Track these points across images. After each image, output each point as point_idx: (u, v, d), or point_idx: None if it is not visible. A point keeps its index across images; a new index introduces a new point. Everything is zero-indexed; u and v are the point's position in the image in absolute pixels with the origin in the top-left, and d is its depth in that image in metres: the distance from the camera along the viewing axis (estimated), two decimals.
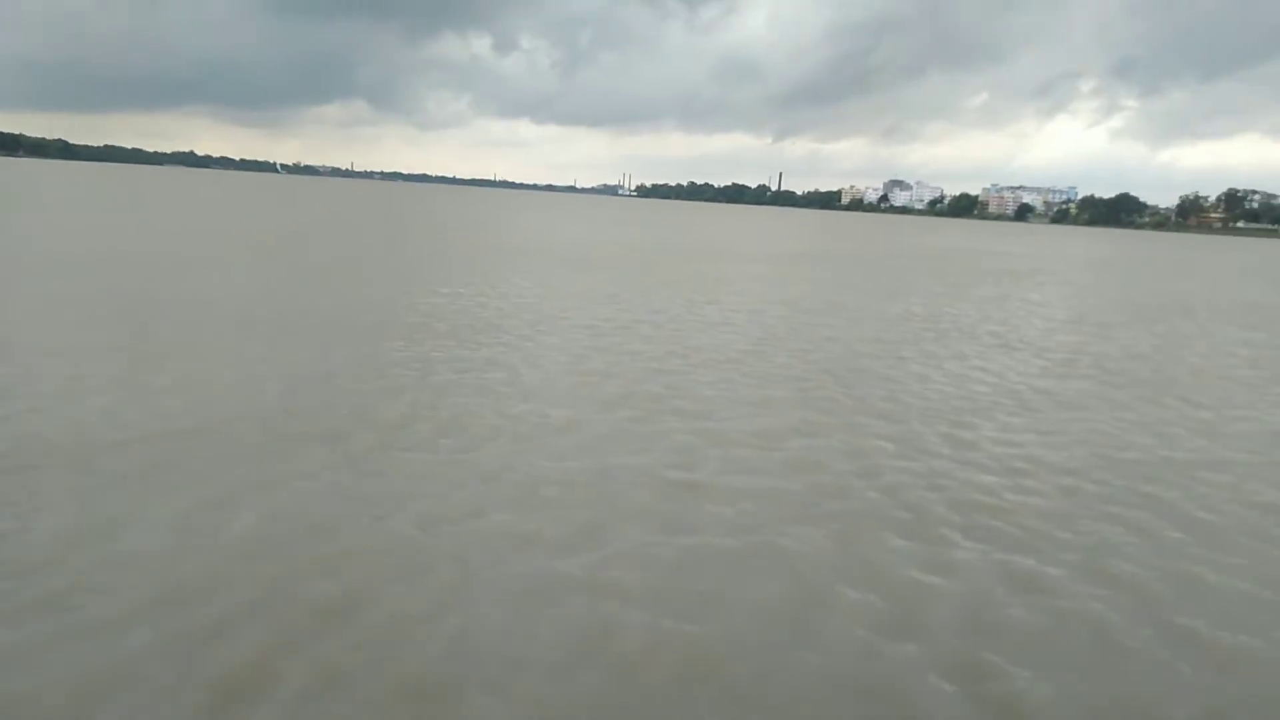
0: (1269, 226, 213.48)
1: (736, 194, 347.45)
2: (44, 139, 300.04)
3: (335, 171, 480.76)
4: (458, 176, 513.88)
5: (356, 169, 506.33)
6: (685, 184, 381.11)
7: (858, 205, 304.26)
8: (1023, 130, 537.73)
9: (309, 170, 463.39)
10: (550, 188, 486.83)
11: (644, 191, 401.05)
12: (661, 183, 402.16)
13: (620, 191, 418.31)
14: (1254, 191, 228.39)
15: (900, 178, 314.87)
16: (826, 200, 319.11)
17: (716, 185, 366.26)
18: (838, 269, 36.97)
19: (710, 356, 14.28)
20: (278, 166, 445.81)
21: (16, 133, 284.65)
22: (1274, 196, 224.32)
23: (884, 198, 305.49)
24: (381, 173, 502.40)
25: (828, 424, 10.42)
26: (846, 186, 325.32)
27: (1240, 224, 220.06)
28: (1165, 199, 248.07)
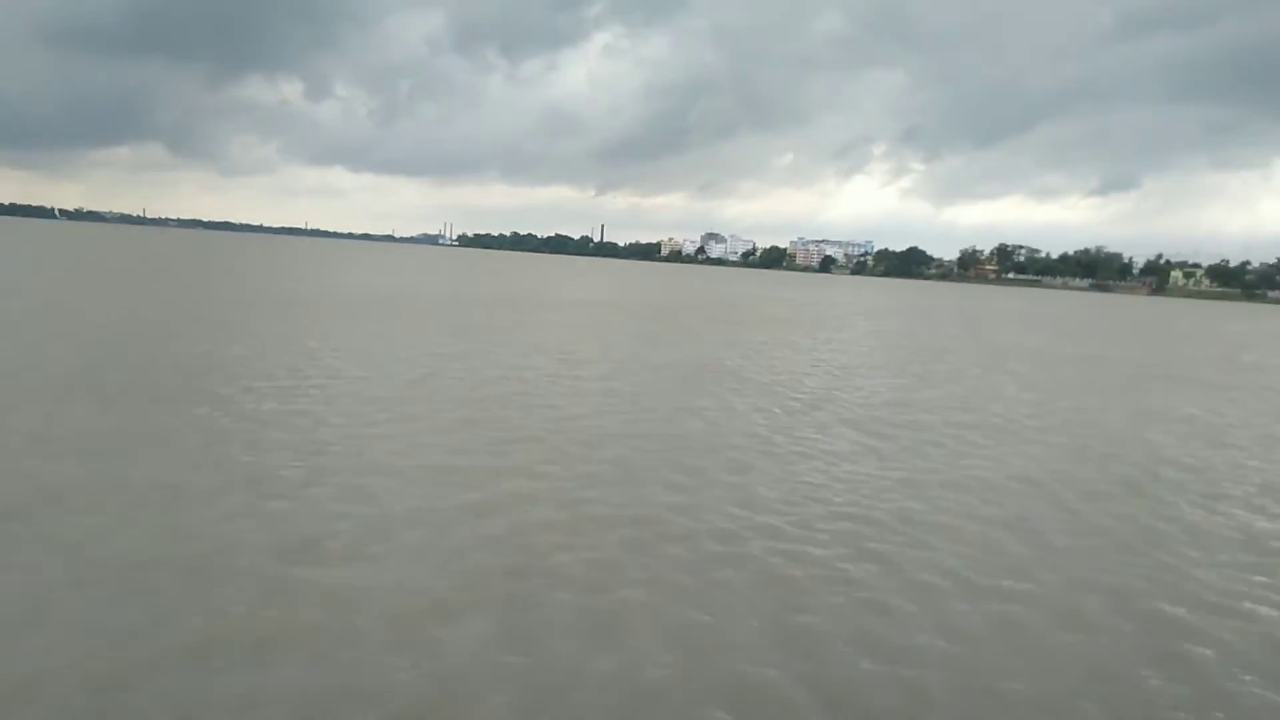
0: (1033, 277, 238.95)
1: (560, 244, 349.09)
2: None
3: (124, 218, 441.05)
4: (265, 225, 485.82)
5: (149, 215, 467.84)
6: (508, 234, 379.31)
7: (676, 256, 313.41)
8: (826, 189, 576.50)
9: (94, 216, 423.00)
10: (367, 237, 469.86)
11: (465, 241, 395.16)
12: (484, 232, 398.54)
13: (441, 241, 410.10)
14: (1020, 246, 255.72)
15: (717, 231, 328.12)
16: (647, 252, 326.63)
17: (540, 235, 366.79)
18: (624, 317, 36.24)
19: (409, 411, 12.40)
20: (56, 212, 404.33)
21: None
22: (1037, 251, 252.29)
23: (701, 249, 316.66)
24: (178, 220, 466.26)
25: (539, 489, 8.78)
26: (666, 239, 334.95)
27: (1011, 275, 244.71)
28: (949, 252, 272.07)
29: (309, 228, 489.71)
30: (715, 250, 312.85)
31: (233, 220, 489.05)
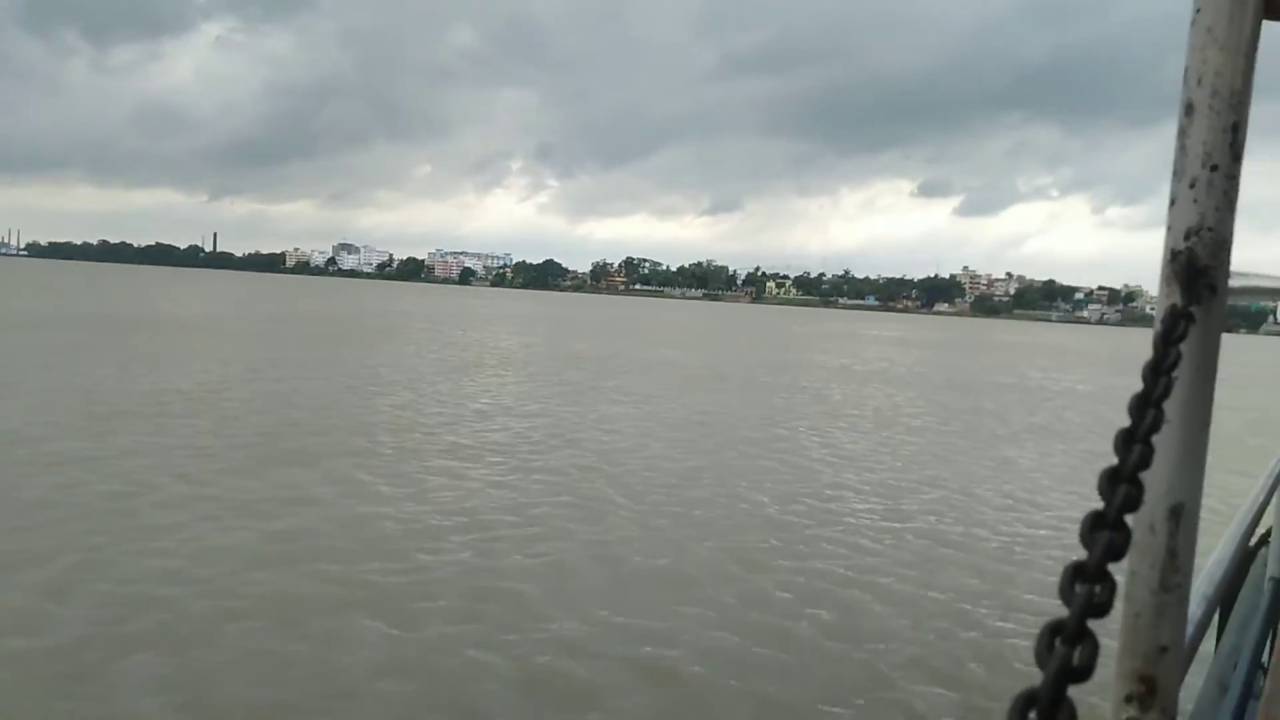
0: (656, 288, 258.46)
1: (163, 254, 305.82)
2: None
3: None
4: None
5: None
6: (96, 243, 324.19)
7: (304, 268, 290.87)
8: (465, 201, 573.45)
9: None
10: None
11: (38, 251, 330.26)
12: (64, 240, 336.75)
13: (3, 251, 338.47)
14: (645, 260, 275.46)
15: (352, 241, 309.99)
16: (270, 263, 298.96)
17: (137, 245, 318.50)
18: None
19: None
20: None
21: None
22: (659, 264, 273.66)
23: (332, 260, 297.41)
24: None
25: None
26: (292, 249, 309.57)
27: (638, 286, 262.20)
28: (584, 265, 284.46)
29: None
30: (348, 261, 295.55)
31: None
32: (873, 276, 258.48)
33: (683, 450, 14.70)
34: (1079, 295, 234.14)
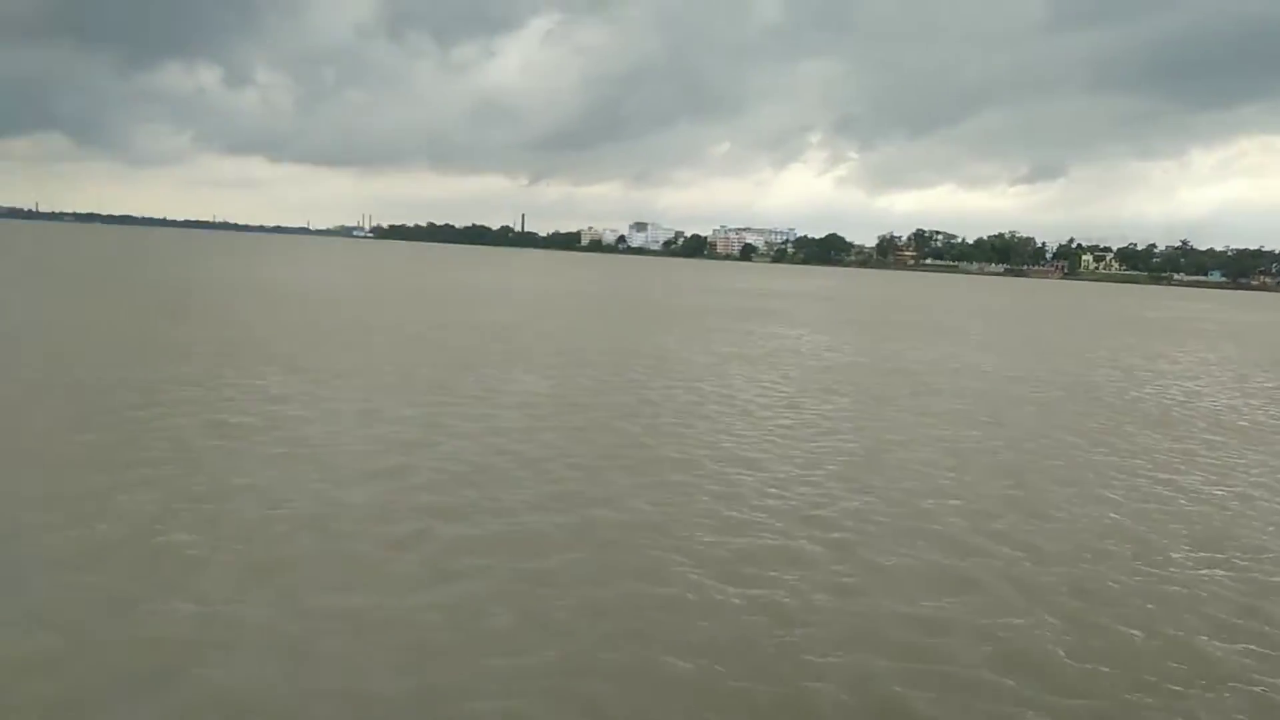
0: (950, 263, 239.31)
1: (478, 235, 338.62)
2: None
3: (13, 213, 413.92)
4: (169, 218, 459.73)
5: (42, 209, 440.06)
6: (425, 225, 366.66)
7: (597, 246, 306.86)
8: (761, 178, 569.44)
9: None
10: (280, 229, 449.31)
11: (381, 233, 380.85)
12: (400, 223, 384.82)
13: (355, 233, 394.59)
14: (938, 232, 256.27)
15: (651, 220, 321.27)
16: (567, 241, 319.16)
17: (457, 226, 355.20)
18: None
19: None
20: None
21: None
22: (954, 236, 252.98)
23: (622, 238, 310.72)
24: (74, 214, 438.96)
25: None
26: (586, 228, 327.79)
27: (929, 261, 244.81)
28: (871, 239, 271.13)
29: (217, 221, 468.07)
30: (637, 239, 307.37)
31: (134, 214, 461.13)
32: (1218, 248, 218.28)
33: None
34: None
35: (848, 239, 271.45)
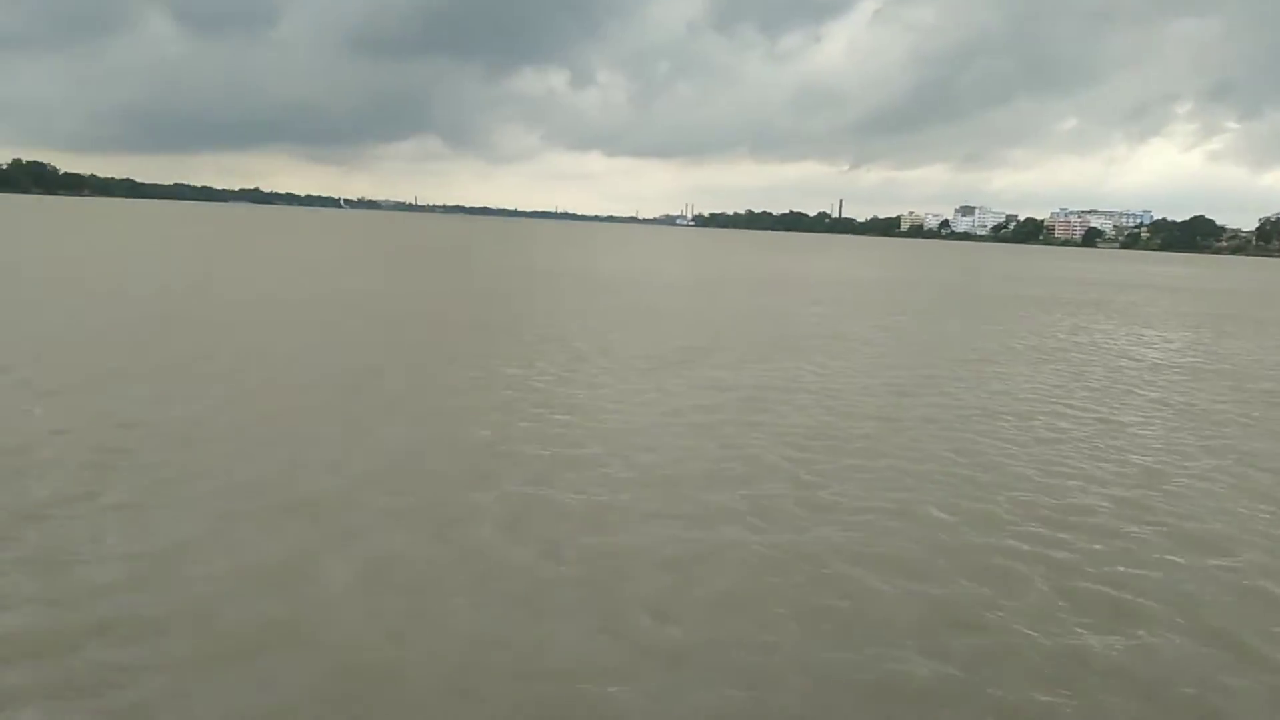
0: None
1: (794, 222, 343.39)
2: (112, 178, 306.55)
3: (399, 206, 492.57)
4: (519, 209, 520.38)
5: (420, 203, 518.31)
6: (743, 213, 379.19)
7: (918, 231, 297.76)
8: (1113, 155, 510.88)
9: (371, 205, 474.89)
10: (610, 219, 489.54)
11: (701, 221, 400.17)
12: (720, 211, 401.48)
13: (679, 222, 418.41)
14: None
15: (981, 204, 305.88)
16: (885, 227, 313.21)
17: (774, 213, 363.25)
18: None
19: None
20: (341, 201, 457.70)
21: (86, 173, 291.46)
22: None
23: (945, 223, 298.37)
24: (444, 206, 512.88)
25: None
26: (906, 213, 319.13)
27: None
28: (1247, 222, 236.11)
29: (559, 211, 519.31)
30: (962, 224, 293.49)
31: (490, 206, 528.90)
32: None
33: None
34: None
35: (1218, 222, 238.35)
